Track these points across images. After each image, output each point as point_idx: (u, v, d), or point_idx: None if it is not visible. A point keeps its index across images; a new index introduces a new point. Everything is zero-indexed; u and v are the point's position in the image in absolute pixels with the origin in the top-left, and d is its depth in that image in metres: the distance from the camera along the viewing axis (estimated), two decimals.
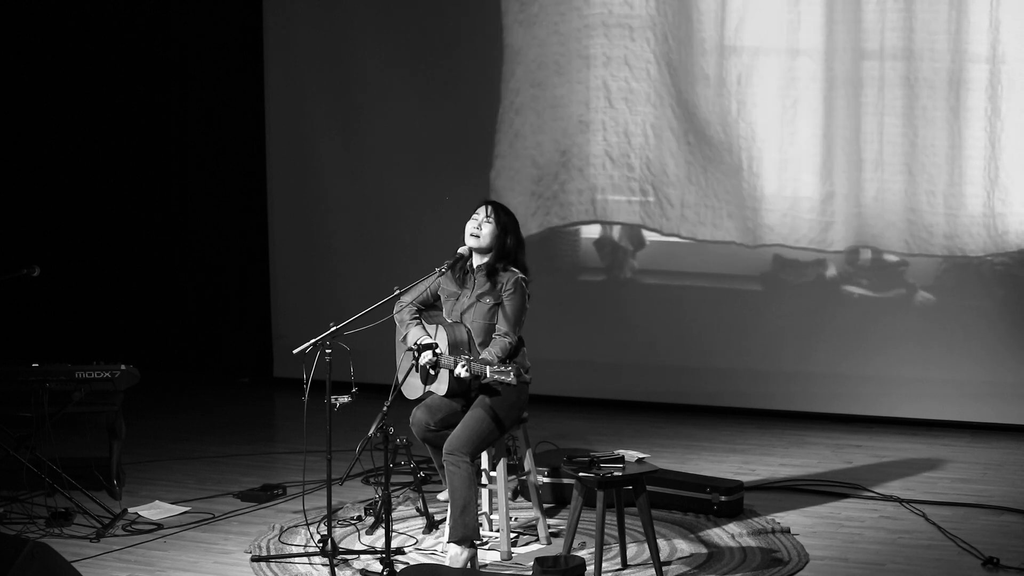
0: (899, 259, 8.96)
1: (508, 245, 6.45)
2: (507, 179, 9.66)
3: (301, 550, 6.57)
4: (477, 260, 6.49)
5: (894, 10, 8.76)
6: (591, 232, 9.62)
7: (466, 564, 6.18)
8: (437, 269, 6.50)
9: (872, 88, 8.85)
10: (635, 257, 9.53)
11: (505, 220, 6.47)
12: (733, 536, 6.75)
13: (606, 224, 9.54)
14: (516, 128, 9.70)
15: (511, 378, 5.96)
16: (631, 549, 6.48)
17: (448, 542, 6.25)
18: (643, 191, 9.41)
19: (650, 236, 9.46)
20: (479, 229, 6.45)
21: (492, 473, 6.66)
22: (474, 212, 6.50)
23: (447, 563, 6.19)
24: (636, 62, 9.34)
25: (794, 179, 9.08)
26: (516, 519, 6.87)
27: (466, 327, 6.40)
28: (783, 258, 9.18)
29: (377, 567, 6.20)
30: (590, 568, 6.12)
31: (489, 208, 6.48)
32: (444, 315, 6.54)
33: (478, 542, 6.33)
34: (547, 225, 9.62)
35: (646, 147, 9.37)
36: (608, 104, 9.45)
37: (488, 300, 6.40)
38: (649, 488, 6.35)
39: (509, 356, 6.32)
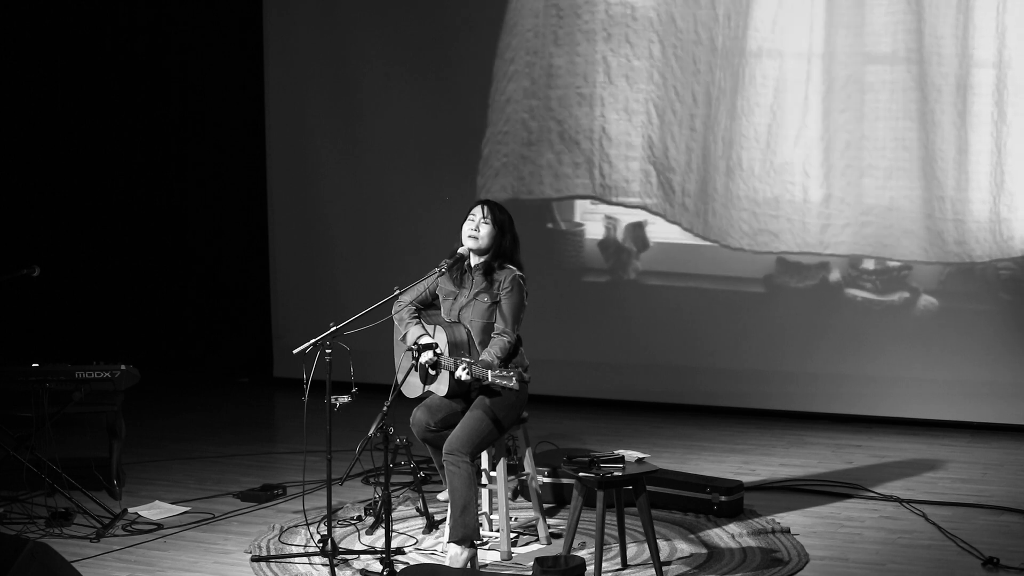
0: (902, 262, 8.95)
1: (505, 245, 6.46)
2: (506, 169, 9.66)
3: (301, 550, 6.57)
4: (474, 259, 6.49)
5: (900, 14, 8.75)
6: (594, 232, 9.62)
7: (466, 564, 6.19)
8: (436, 269, 6.50)
9: (879, 92, 8.84)
10: (638, 258, 9.53)
11: (501, 219, 6.47)
12: (733, 536, 6.75)
13: (611, 222, 9.54)
14: (515, 124, 9.72)
15: (513, 383, 5.95)
16: (631, 549, 6.48)
17: (448, 542, 6.26)
18: (647, 191, 9.41)
19: (653, 236, 9.45)
20: (477, 231, 6.44)
21: (492, 473, 6.66)
22: (470, 213, 6.49)
23: (447, 563, 6.20)
24: (640, 71, 9.34)
25: (800, 182, 9.08)
26: (516, 519, 6.87)
27: (465, 327, 6.41)
28: (786, 260, 9.18)
29: (377, 567, 6.20)
30: (590, 568, 6.12)
31: (485, 208, 6.48)
32: (442, 314, 6.54)
33: (478, 542, 6.33)
34: (543, 195, 9.62)
35: (648, 155, 9.37)
36: (612, 100, 9.46)
37: (486, 299, 6.41)
38: (649, 488, 6.36)
39: (508, 355, 6.32)
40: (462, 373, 6.07)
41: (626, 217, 9.51)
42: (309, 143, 10.27)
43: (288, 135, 10.35)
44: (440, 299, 6.57)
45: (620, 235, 9.56)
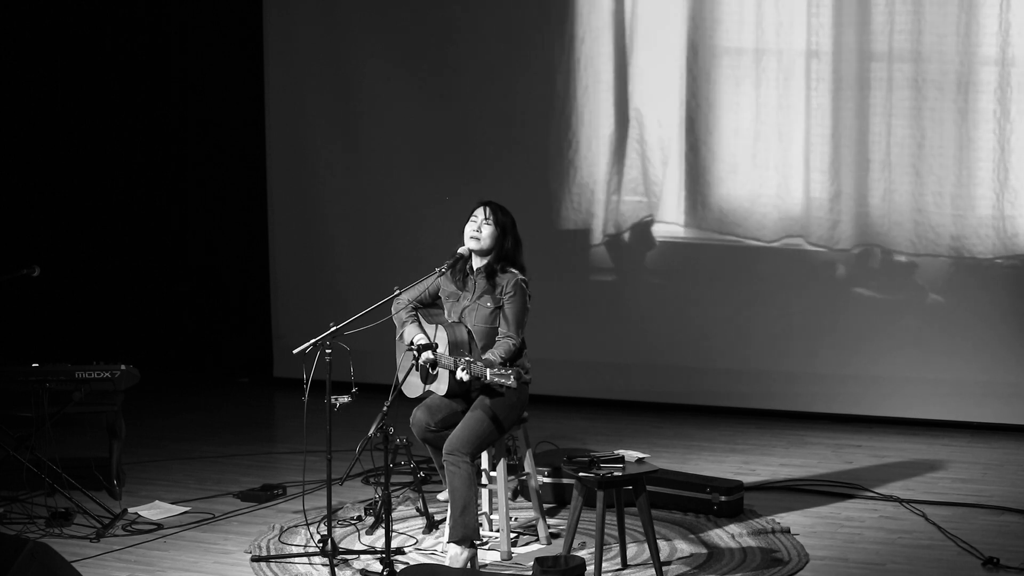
0: (905, 260, 8.95)
1: (507, 247, 6.45)
2: (510, 180, 9.65)
3: (301, 550, 6.57)
4: (477, 262, 6.49)
5: (902, 12, 8.76)
6: (594, 232, 9.61)
7: (466, 564, 6.19)
8: (437, 269, 6.50)
9: (880, 89, 8.84)
10: (639, 257, 9.52)
11: (503, 220, 6.46)
12: (733, 536, 6.75)
13: (612, 222, 9.54)
14: (524, 127, 9.71)
15: (511, 381, 5.95)
16: (631, 549, 6.48)
17: (448, 542, 6.26)
18: (649, 190, 9.41)
19: (655, 235, 9.44)
20: (479, 231, 6.43)
21: (492, 473, 6.66)
22: (472, 214, 6.49)
23: (447, 563, 6.20)
24: (646, 64, 9.34)
25: (802, 180, 9.07)
26: (516, 519, 6.87)
27: (466, 327, 6.41)
28: (788, 259, 9.16)
29: (377, 567, 6.21)
30: (590, 568, 6.12)
31: (488, 209, 6.47)
32: (445, 316, 6.54)
33: (478, 542, 6.33)
34: (553, 226, 9.63)
35: (654, 145, 9.36)
36: (614, 99, 9.45)
37: (488, 303, 6.40)
38: (649, 488, 6.36)
39: (512, 357, 6.32)
40: (462, 373, 6.06)
41: (632, 216, 9.50)
42: (309, 143, 10.26)
43: (288, 135, 10.35)
44: (442, 300, 6.57)
45: (625, 234, 9.55)
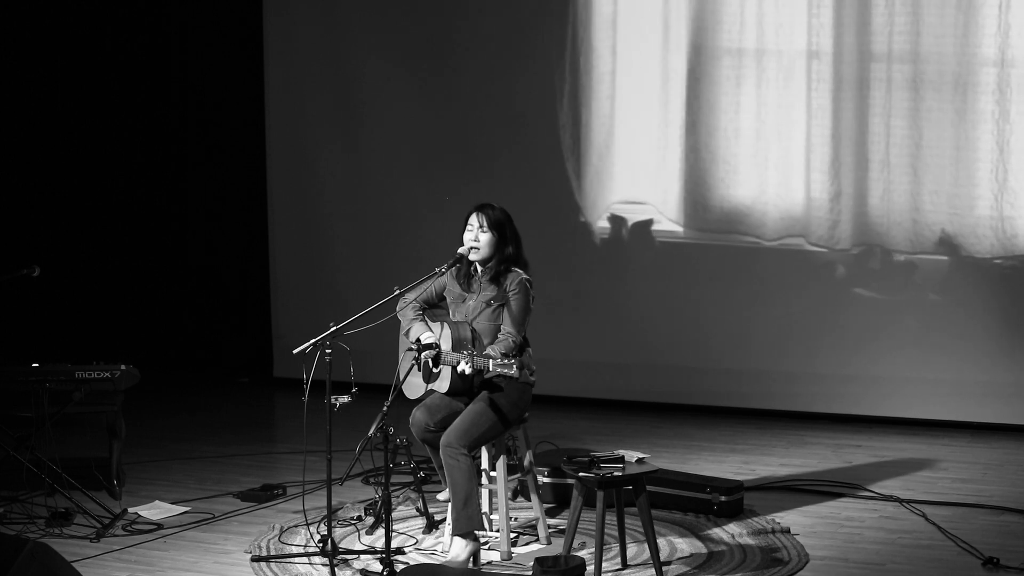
0: (905, 260, 8.95)
1: (508, 251, 6.45)
2: (511, 181, 9.65)
3: (301, 550, 6.57)
4: (480, 264, 6.51)
5: (902, 13, 8.76)
6: (594, 232, 9.61)
7: (470, 557, 6.20)
8: (437, 269, 6.50)
9: (880, 90, 8.84)
10: (639, 257, 9.51)
11: (499, 220, 6.44)
12: (733, 536, 6.75)
13: (612, 222, 9.54)
14: (525, 127, 9.71)
15: (514, 371, 5.95)
16: (631, 549, 6.48)
17: (453, 535, 6.26)
18: (649, 191, 9.41)
19: (655, 235, 9.45)
20: (477, 241, 6.43)
21: (492, 473, 6.66)
22: (467, 222, 6.47)
23: (451, 557, 6.21)
24: (646, 64, 9.34)
25: (802, 180, 9.07)
26: (516, 519, 6.87)
27: (471, 326, 6.41)
28: (788, 259, 9.16)
29: (377, 567, 6.21)
30: (590, 568, 6.13)
31: (480, 215, 6.45)
32: (449, 315, 6.55)
33: (481, 532, 6.33)
34: (553, 226, 9.62)
35: (654, 146, 9.36)
36: (614, 99, 9.46)
37: (494, 303, 6.42)
38: (649, 488, 6.36)
39: (512, 353, 6.31)
40: (464, 365, 6.07)
41: (632, 216, 9.51)
42: (309, 143, 10.26)
43: (288, 135, 10.35)
44: (448, 301, 6.58)
45: (625, 234, 9.55)
